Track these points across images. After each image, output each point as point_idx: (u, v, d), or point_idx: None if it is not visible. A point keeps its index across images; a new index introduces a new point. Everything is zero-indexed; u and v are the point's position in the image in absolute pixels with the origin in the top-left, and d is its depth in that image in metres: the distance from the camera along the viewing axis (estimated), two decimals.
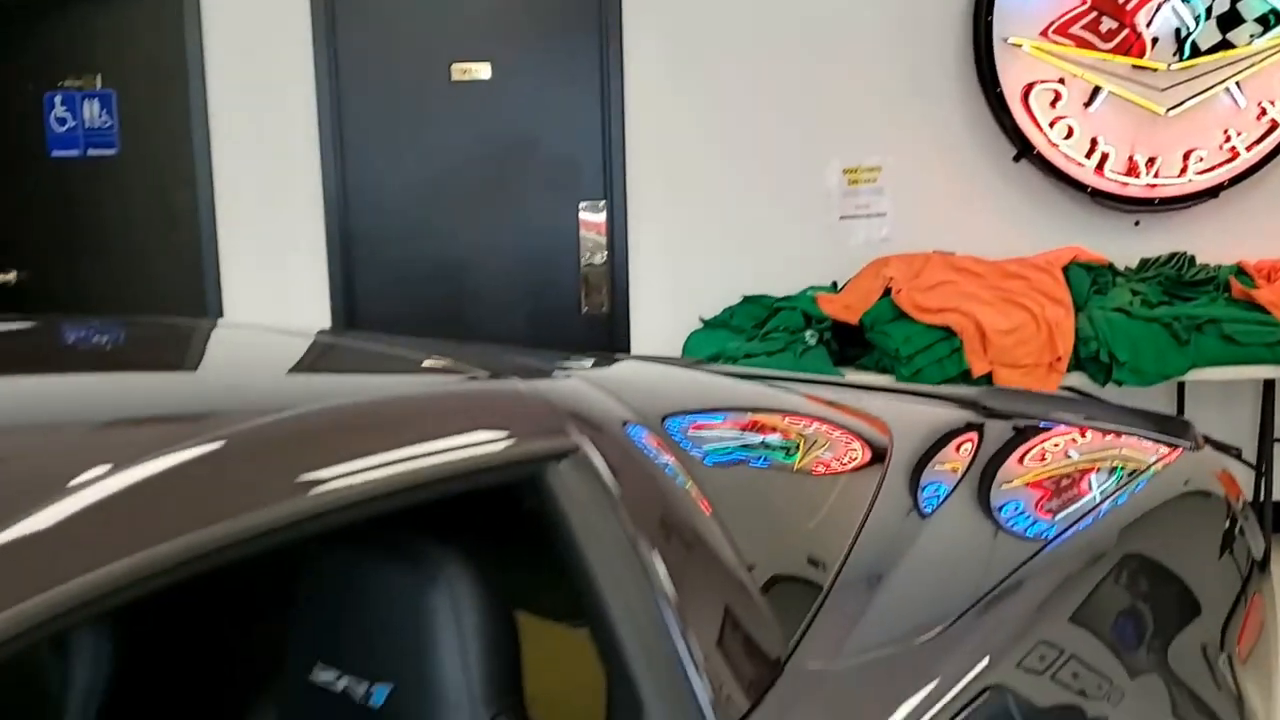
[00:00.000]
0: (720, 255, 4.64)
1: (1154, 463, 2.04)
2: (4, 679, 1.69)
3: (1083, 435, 2.27)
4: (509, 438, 1.29)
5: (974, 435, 2.08)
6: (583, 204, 4.67)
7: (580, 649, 1.33)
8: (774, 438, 1.85)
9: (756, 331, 4.28)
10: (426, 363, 1.52)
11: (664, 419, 1.56)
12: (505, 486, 1.31)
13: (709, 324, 4.50)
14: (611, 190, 4.64)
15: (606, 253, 4.71)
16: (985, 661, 1.38)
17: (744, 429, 1.82)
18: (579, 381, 1.51)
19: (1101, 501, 1.82)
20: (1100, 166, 4.49)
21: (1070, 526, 1.72)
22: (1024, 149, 4.49)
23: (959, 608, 1.46)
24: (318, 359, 1.68)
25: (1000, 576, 1.54)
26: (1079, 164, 4.49)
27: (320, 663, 1.34)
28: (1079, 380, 4.05)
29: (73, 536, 0.94)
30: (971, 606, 1.46)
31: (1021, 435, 2.21)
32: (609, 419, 1.41)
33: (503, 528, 1.40)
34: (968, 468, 1.90)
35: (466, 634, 1.26)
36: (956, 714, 1.30)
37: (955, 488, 1.80)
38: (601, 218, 4.70)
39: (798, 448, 1.84)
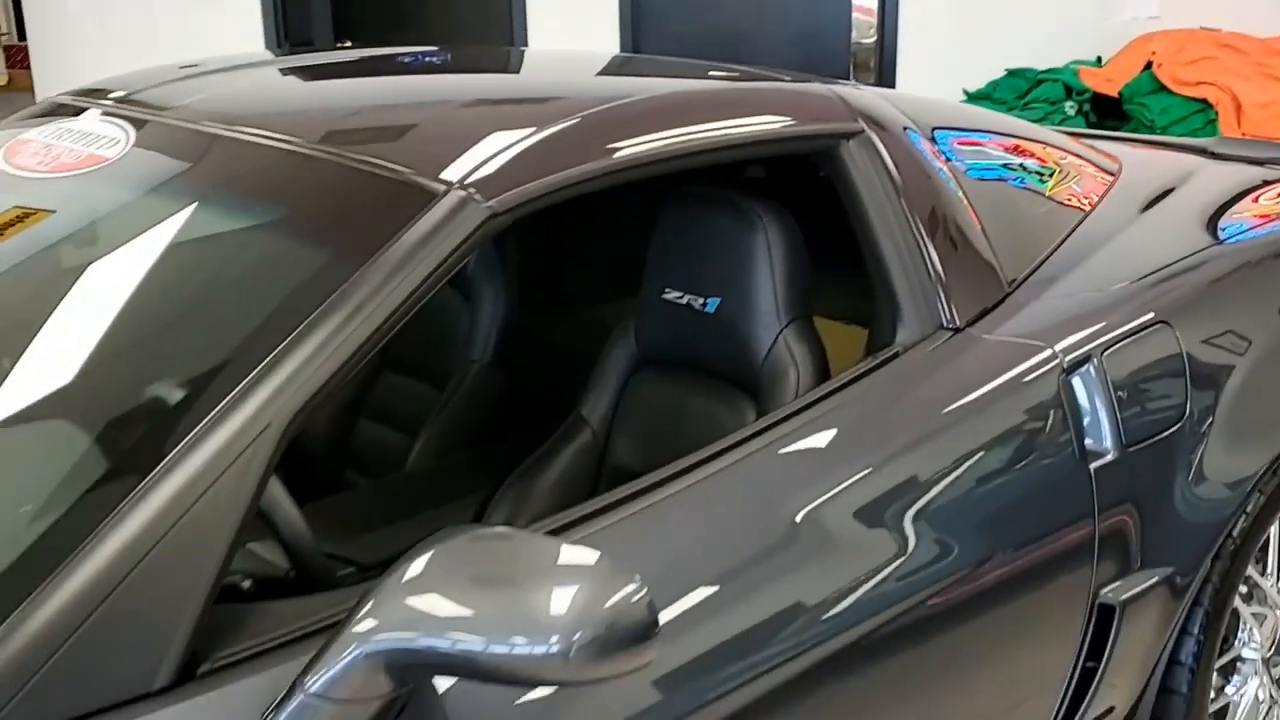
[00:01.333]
0: (986, 31, 4.86)
1: None
2: (429, 322, 2.31)
3: None
4: (809, 119, 1.77)
5: (1195, 167, 2.41)
6: None
7: (854, 281, 1.83)
8: (1026, 159, 2.25)
9: (1018, 103, 4.54)
10: (743, 70, 2.01)
11: (934, 130, 2.00)
12: (805, 157, 1.79)
13: (972, 96, 4.77)
14: None
15: (876, 28, 5.00)
16: (1155, 307, 1.81)
17: (999, 148, 2.23)
18: (867, 91, 1.97)
19: None
20: None
21: (1262, 227, 2.08)
22: None
23: (1144, 272, 1.88)
24: (666, 68, 2.24)
25: (1187, 253, 1.95)
26: None
27: (668, 287, 1.90)
28: None
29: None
30: (1155, 271, 1.89)
31: (1245, 174, 2.51)
32: (892, 120, 1.86)
33: (804, 191, 1.89)
34: (1183, 186, 2.25)
35: (775, 265, 1.78)
36: (1126, 337, 1.74)
37: (1166, 197, 2.18)
38: None
39: (1042, 165, 2.24)
